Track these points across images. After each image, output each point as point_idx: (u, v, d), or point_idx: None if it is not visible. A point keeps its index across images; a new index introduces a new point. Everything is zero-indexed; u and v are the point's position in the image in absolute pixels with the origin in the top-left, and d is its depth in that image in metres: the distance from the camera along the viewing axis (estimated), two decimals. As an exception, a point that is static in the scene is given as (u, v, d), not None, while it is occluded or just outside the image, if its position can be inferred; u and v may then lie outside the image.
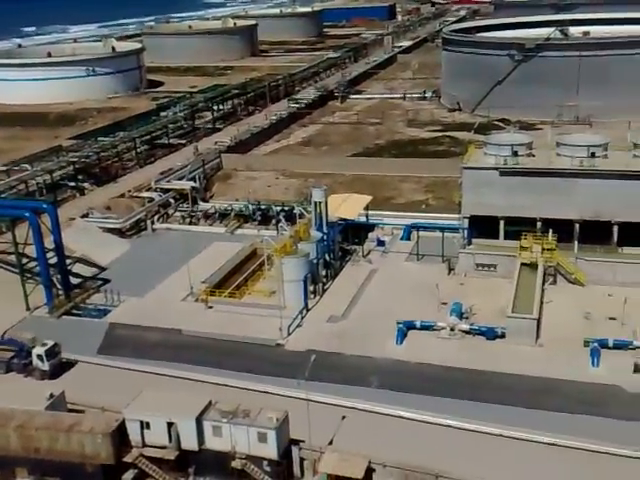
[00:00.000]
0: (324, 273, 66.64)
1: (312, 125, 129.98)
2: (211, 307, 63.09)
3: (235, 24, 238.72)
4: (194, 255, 72.95)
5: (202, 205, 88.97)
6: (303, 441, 44.59)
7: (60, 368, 54.07)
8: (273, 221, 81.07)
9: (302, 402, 45.08)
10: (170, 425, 44.28)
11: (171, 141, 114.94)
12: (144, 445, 45.10)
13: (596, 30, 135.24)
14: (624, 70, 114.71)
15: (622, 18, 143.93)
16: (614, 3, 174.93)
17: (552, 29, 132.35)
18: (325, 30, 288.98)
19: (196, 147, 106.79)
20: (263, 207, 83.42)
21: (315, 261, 64.41)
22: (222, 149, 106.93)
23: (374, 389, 50.24)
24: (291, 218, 77.35)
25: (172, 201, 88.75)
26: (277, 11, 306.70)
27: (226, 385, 50.93)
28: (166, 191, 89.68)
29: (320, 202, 66.69)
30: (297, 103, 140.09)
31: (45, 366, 53.22)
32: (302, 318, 60.29)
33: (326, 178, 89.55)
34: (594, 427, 44.02)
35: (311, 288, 63.76)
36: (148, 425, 44.74)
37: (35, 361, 53.44)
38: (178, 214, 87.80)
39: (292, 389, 48.52)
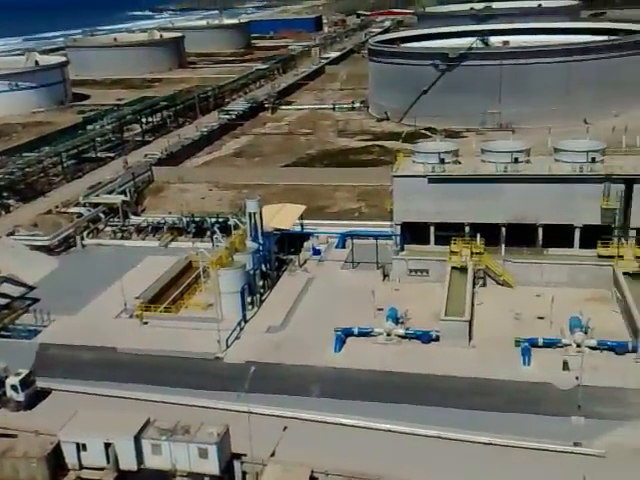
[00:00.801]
0: (261, 284, 66.63)
1: (244, 136, 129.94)
2: (146, 323, 62.06)
3: (161, 36, 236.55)
4: (127, 270, 71.73)
5: (134, 219, 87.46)
6: (245, 454, 44.35)
7: (36, 398, 51.49)
8: (208, 233, 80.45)
9: (243, 415, 44.92)
10: (107, 446, 43.27)
11: (99, 155, 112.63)
12: (81, 467, 43.93)
13: (515, 39, 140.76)
14: (543, 78, 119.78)
15: (539, 28, 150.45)
16: (530, 14, 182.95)
17: (473, 39, 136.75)
18: (253, 42, 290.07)
19: (125, 160, 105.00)
20: (197, 219, 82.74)
21: (252, 272, 64.31)
22: (153, 162, 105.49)
23: (315, 398, 50.53)
24: (226, 230, 76.97)
25: (102, 216, 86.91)
26: (204, 23, 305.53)
27: (164, 402, 50.17)
28: (95, 206, 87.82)
29: (255, 213, 66.71)
30: (228, 114, 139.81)
31: (20, 397, 50.61)
32: (240, 330, 60.07)
33: (260, 189, 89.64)
34: (528, 425, 45.43)
35: (248, 299, 63.63)
36: (84, 447, 43.60)
37: (9, 392, 50.74)
38: (109, 229, 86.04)
39: (232, 402, 48.21)
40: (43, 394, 52.05)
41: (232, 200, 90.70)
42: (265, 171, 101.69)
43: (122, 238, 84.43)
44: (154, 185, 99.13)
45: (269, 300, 65.73)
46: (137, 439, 43.00)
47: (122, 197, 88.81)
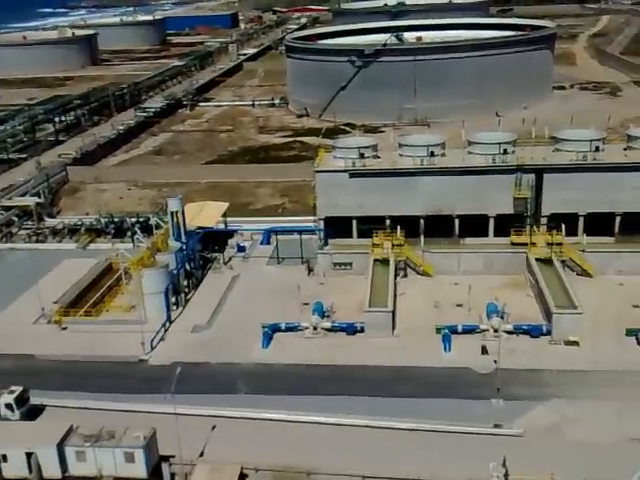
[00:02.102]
0: (185, 283, 65.90)
1: (162, 134, 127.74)
2: (65, 328, 60.34)
3: (73, 34, 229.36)
4: (43, 274, 69.37)
5: (49, 221, 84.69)
6: (173, 456, 43.87)
7: (32, 415, 48.79)
8: (128, 233, 78.77)
9: (170, 417, 44.36)
10: (29, 455, 41.92)
11: (10, 156, 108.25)
12: (2, 479, 42.30)
13: (428, 35, 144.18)
14: (455, 72, 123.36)
15: (450, 24, 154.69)
16: (442, 10, 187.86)
17: (388, 35, 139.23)
18: (169, 38, 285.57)
19: (38, 161, 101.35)
20: (116, 220, 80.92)
21: (175, 271, 63.51)
22: (67, 162, 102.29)
23: (244, 395, 50.53)
24: (147, 229, 75.66)
25: (15, 219, 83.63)
26: (117, 20, 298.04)
27: (88, 408, 48.97)
28: (8, 209, 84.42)
29: (177, 211, 65.87)
30: (145, 112, 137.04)
31: (15, 416, 47.90)
32: (165, 331, 59.28)
33: (181, 187, 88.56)
34: (450, 409, 47.03)
35: (173, 299, 62.82)
36: (5, 457, 42.11)
37: (4, 411, 47.96)
38: (23, 232, 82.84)
39: (159, 405, 47.52)
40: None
41: (153, 199, 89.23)
42: (186, 169, 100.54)
43: (37, 241, 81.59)
44: (69, 186, 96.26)
45: (194, 299, 65.13)
46: (60, 447, 41.93)
47: (36, 199, 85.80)
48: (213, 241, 74.21)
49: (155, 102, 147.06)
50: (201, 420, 47.23)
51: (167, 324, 60.06)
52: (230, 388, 51.06)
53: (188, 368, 50.27)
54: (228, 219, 77.51)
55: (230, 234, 77.29)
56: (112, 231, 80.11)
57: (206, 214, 73.45)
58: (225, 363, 54.34)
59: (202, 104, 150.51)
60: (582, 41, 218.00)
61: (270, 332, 56.95)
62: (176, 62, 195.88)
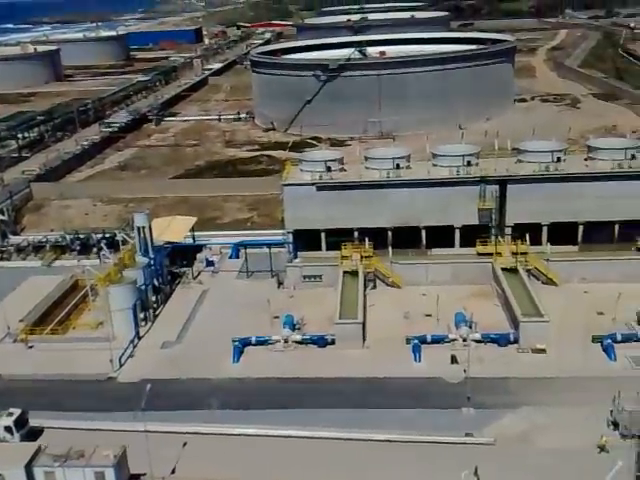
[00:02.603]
0: (154, 299, 65.35)
1: (128, 149, 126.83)
2: (32, 347, 59.28)
3: (36, 49, 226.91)
4: (8, 293, 68.22)
5: (13, 239, 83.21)
6: (144, 474, 43.34)
7: (33, 438, 47.07)
8: (94, 250, 77.85)
9: (141, 434, 43.89)
10: (-3, 478, 41.00)
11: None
12: (-30, 504, 41.24)
13: (391, 50, 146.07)
14: (419, 86, 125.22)
15: (413, 38, 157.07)
16: (404, 25, 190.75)
17: (352, 50, 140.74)
18: (133, 53, 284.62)
19: (1, 178, 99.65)
20: (82, 236, 79.96)
21: (143, 287, 62.96)
22: (31, 178, 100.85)
23: (215, 411, 50.14)
24: (114, 245, 74.89)
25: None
26: (80, 35, 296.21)
27: (56, 428, 48.12)
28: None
29: (143, 227, 65.42)
30: (109, 127, 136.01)
31: (15, 439, 46.37)
32: (134, 347, 58.65)
33: (148, 202, 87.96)
34: (422, 419, 47.34)
35: (141, 315, 62.23)
36: (-28, 481, 41.04)
37: (2, 434, 46.37)
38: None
39: (129, 422, 46.96)
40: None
41: (119, 215, 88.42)
42: (152, 184, 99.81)
43: (1, 259, 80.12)
44: (33, 202, 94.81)
45: (163, 315, 64.62)
46: (28, 468, 41.10)
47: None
48: (181, 256, 73.82)
49: (120, 117, 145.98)
50: (172, 437, 46.81)
51: (135, 341, 59.45)
52: (201, 404, 50.63)
53: (158, 385, 49.82)
54: (196, 233, 77.24)
55: (199, 248, 76.97)
56: (78, 248, 79.09)
57: (174, 229, 73.05)
58: (195, 379, 53.93)
59: (168, 119, 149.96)
60: (541, 54, 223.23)
61: (241, 346, 56.75)
62: (140, 77, 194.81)
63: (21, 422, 47.28)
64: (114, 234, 76.92)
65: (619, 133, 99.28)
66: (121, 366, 55.84)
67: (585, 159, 68.63)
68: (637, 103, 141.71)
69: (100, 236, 78.57)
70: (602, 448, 42.59)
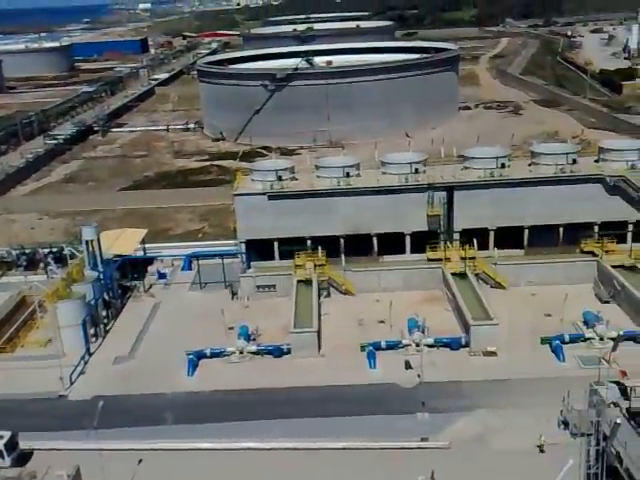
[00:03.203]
0: (104, 313, 64.21)
1: (74, 161, 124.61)
2: (-22, 367, 57.46)
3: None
4: (-49, 312, 65.81)
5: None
6: (100, 492, 42.58)
7: (23, 461, 45.20)
8: (41, 265, 75.99)
9: (94, 453, 43.06)
10: (-54, 504, 39.67)
11: None
12: None
13: (338, 59, 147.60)
14: (366, 95, 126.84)
15: (359, 48, 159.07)
16: (349, 34, 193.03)
17: (299, 59, 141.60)
18: (77, 64, 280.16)
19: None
20: (28, 251, 77.81)
21: (93, 302, 61.82)
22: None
23: (170, 426, 49.50)
24: (61, 260, 73.27)
25: None
26: (23, 47, 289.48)
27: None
28: None
29: (92, 240, 64.33)
30: (55, 139, 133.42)
31: (6, 462, 44.20)
32: (85, 364, 57.47)
33: (96, 215, 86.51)
34: (379, 425, 47.68)
35: (92, 331, 61.07)
36: None
37: None
38: None
39: (81, 441, 45.96)
40: None
41: (66, 228, 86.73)
42: (100, 196, 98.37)
43: (-57, 277, 77.37)
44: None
45: (114, 330, 63.55)
46: (-22, 493, 39.85)
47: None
48: (132, 269, 72.73)
49: (65, 129, 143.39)
50: (127, 454, 45.96)
51: (86, 357, 58.27)
52: (156, 419, 49.90)
53: (111, 401, 48.91)
54: (147, 246, 76.25)
55: (150, 261, 75.99)
56: (24, 263, 76.96)
57: (123, 241, 72.01)
58: (149, 394, 53.10)
59: (114, 130, 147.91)
60: (484, 62, 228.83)
61: (195, 359, 56.22)
62: (85, 88, 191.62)
63: (11, 445, 45.63)
64: (61, 248, 75.29)
65: (560, 138, 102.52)
66: (72, 384, 54.61)
67: (529, 164, 70.59)
68: (576, 109, 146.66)
69: (47, 251, 76.69)
70: (541, 448, 43.85)
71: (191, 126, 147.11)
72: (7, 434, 45.77)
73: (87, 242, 64.46)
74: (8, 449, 45.15)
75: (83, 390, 53.84)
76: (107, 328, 63.48)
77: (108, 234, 71.15)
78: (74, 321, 58.66)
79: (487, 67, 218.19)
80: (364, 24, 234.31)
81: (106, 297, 65.06)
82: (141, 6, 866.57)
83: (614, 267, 63.76)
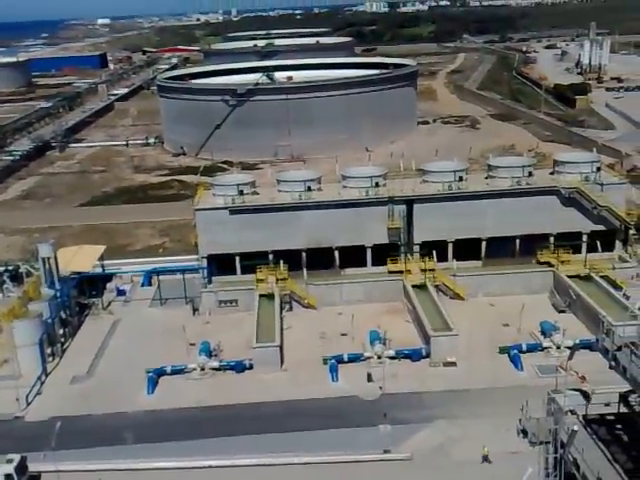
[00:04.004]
0: (61, 332, 62.98)
1: (30, 177, 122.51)
2: None
3: None
4: None
5: None
6: (58, 516, 41.71)
7: None
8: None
9: (52, 475, 42.21)
10: None
11: None
12: None
13: (298, 75, 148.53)
14: (326, 110, 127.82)
15: (319, 63, 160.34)
16: (310, 50, 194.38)
17: (259, 75, 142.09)
18: (35, 80, 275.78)
19: None
20: (-18, 270, 76.02)
21: (50, 321, 60.62)
22: None
23: (130, 445, 48.72)
24: (17, 278, 71.62)
25: None
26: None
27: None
28: None
29: (49, 257, 63.24)
30: (11, 155, 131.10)
31: None
32: (42, 384, 56.24)
33: (53, 231, 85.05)
34: (341, 439, 47.68)
35: (48, 350, 59.82)
36: None
37: None
38: None
39: (39, 463, 44.96)
40: None
41: (22, 246, 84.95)
42: (58, 212, 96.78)
43: None
44: None
45: (72, 348, 62.38)
46: None
47: None
48: (90, 286, 71.57)
49: (22, 145, 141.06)
50: (86, 475, 45.08)
51: (43, 377, 57.04)
52: (115, 439, 49.04)
53: (69, 422, 48.15)
54: (106, 262, 75.17)
55: (108, 278, 74.91)
56: (-22, 282, 75.25)
57: (81, 258, 70.90)
58: (108, 413, 52.14)
59: (73, 145, 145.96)
60: (441, 78, 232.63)
61: (155, 377, 55.50)
62: (43, 104, 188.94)
63: (22, 469, 44.45)
64: (17, 266, 73.56)
65: (516, 152, 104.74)
66: (28, 404, 53.35)
67: (486, 177, 71.93)
68: (532, 122, 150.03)
69: (2, 269, 74.89)
70: (485, 458, 44.45)
71: (151, 141, 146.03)
72: (17, 457, 44.82)
73: (44, 259, 63.34)
74: (18, 473, 44.14)
75: (40, 411, 52.64)
76: (64, 347, 62.26)
77: (65, 251, 69.99)
78: (30, 340, 57.38)
79: (445, 82, 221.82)
80: (324, 40, 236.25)
81: (63, 315, 63.87)
82: (100, 21, 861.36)
83: (570, 277, 65.21)
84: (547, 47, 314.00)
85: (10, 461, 44.53)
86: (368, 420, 49.45)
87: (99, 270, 74.21)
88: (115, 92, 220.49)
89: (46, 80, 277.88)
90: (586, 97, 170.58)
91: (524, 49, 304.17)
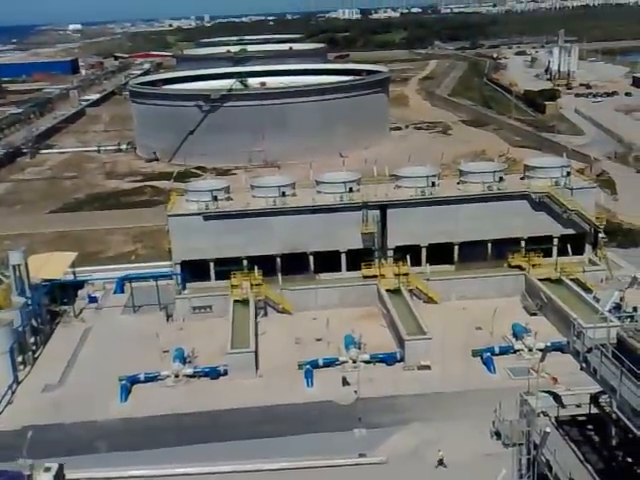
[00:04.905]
0: (33, 340, 62.11)
1: (1, 184, 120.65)
2: None
3: None
4: None
5: None
6: (29, 526, 40.97)
7: None
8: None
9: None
10: None
11: None
12: None
13: (271, 81, 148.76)
14: (299, 116, 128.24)
15: (292, 70, 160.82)
16: (283, 56, 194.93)
17: (232, 80, 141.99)
18: (4, 86, 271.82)
19: None
20: (-50, 279, 74.71)
21: (21, 329, 59.73)
22: None
23: (104, 454, 48.21)
24: (-14, 287, 70.63)
25: None
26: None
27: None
28: None
29: (19, 265, 62.33)
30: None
31: None
32: (12, 393, 55.41)
33: (23, 238, 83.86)
34: (317, 444, 47.64)
35: (19, 359, 58.94)
36: None
37: None
38: None
39: (10, 473, 44.30)
40: None
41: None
42: (28, 219, 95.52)
43: None
44: None
45: (43, 356, 61.55)
46: None
47: None
48: (62, 293, 70.74)
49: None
50: (58, 485, 44.48)
51: (14, 386, 56.19)
52: (89, 448, 48.49)
53: (40, 431, 47.40)
54: (78, 269, 74.37)
55: (80, 285, 74.09)
56: (-54, 291, 73.87)
57: (52, 265, 70.04)
58: (80, 422, 51.46)
59: (44, 151, 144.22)
60: (413, 84, 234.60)
61: (128, 384, 54.95)
62: (13, 110, 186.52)
63: (60, 477, 43.00)
64: (-13, 274, 72.70)
65: (487, 157, 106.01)
66: (-1, 414, 52.60)
67: (458, 183, 72.67)
68: (502, 128, 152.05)
69: (-29, 277, 73.87)
70: (440, 462, 44.88)
71: (123, 147, 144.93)
72: (55, 465, 43.29)
73: (14, 267, 62.42)
74: None
75: (11, 420, 51.79)
76: (36, 355, 61.42)
77: (36, 258, 69.10)
78: (1, 349, 56.45)
79: (417, 89, 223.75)
80: (297, 46, 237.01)
81: (34, 323, 63.01)
82: (71, 27, 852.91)
83: (541, 280, 66.14)
84: (517, 54, 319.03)
85: (48, 469, 42.99)
86: (343, 425, 49.48)
87: (70, 277, 73.35)
88: (87, 98, 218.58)
89: (16, 86, 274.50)
90: (555, 103, 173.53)
91: (495, 56, 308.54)
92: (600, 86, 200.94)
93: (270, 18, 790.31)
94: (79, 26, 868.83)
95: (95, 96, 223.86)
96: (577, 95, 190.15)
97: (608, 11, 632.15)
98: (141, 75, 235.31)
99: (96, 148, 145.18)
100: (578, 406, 36.85)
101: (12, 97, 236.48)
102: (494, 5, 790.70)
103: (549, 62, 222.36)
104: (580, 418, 36.22)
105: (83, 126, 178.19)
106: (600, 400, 34.50)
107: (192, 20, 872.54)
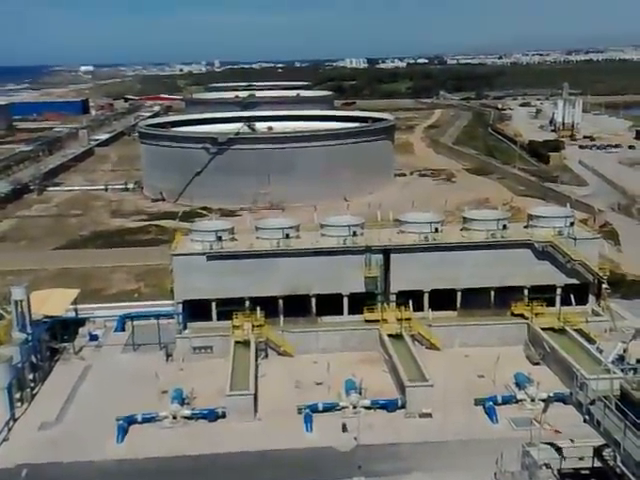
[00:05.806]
0: (31, 377, 61.62)
1: (7, 220, 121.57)
2: None
3: None
4: None
5: None
6: None
7: None
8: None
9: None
10: None
11: None
12: None
13: (278, 125, 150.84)
14: (305, 160, 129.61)
15: (299, 115, 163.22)
16: (290, 102, 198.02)
17: (240, 124, 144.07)
18: (15, 124, 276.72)
19: None
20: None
21: (20, 365, 59.35)
22: None
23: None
24: (-12, 322, 70.44)
25: None
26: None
27: None
28: None
29: (21, 300, 62.24)
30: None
31: None
32: (9, 431, 54.69)
33: (27, 274, 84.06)
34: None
35: (17, 395, 58.38)
36: None
37: None
38: None
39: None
40: None
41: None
42: (33, 255, 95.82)
43: None
44: None
45: (41, 393, 60.98)
46: None
47: None
48: (62, 330, 70.47)
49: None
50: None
51: (11, 423, 55.51)
52: (82, 488, 47.81)
53: (35, 470, 46.85)
54: (79, 306, 74.25)
55: (81, 322, 73.85)
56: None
57: (54, 302, 69.96)
58: (76, 462, 50.68)
59: (51, 188, 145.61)
60: (419, 132, 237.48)
61: (125, 425, 54.26)
62: (22, 147, 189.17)
63: None
64: (-11, 309, 72.58)
65: (491, 205, 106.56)
66: (-6, 451, 51.87)
67: (461, 229, 72.91)
68: (506, 177, 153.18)
69: (-27, 312, 73.73)
70: None
71: (130, 186, 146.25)
72: None
73: (16, 302, 62.33)
74: None
75: (6, 458, 50.96)
76: (34, 392, 60.86)
77: (38, 294, 69.01)
78: (-1, 385, 56.12)
79: (422, 137, 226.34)
80: (304, 93, 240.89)
81: (34, 360, 62.62)
82: (83, 68, 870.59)
83: (544, 329, 65.75)
84: (522, 105, 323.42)
85: None
86: (342, 472, 48.52)
87: (72, 314, 73.19)
88: (96, 137, 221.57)
89: (27, 124, 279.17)
90: (559, 154, 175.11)
91: (499, 106, 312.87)
92: (604, 138, 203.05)
93: (279, 65, 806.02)
94: (91, 67, 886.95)
95: (104, 136, 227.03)
96: (581, 147, 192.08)
97: (612, 66, 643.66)
98: (150, 117, 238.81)
99: (103, 187, 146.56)
100: (581, 459, 36.27)
101: (22, 135, 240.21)
102: (500, 57, 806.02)
103: (553, 114, 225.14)
104: (583, 471, 35.62)
105: (91, 165, 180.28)
106: (604, 453, 33.99)
107: (202, 65, 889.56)
